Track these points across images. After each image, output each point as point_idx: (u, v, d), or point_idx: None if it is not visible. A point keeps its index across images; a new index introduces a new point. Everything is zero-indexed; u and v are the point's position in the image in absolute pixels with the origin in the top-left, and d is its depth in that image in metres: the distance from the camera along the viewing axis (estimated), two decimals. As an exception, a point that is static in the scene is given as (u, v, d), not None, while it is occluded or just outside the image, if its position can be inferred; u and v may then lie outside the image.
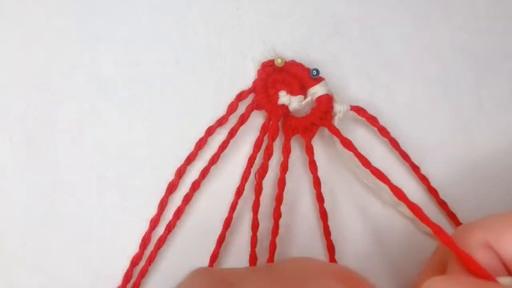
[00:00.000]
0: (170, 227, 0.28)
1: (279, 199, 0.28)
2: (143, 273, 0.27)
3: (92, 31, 0.29)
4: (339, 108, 0.28)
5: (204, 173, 0.28)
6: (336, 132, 0.28)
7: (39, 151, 0.28)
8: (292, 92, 0.28)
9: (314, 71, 0.28)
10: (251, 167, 0.28)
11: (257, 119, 0.29)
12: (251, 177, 0.28)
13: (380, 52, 0.30)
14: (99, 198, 0.28)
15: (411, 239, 0.29)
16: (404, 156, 0.29)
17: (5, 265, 0.28)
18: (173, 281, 0.28)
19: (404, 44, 0.31)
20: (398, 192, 0.25)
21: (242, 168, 0.28)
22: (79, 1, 0.29)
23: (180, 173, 0.28)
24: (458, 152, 0.30)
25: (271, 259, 0.28)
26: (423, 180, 0.29)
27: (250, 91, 0.29)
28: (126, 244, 0.28)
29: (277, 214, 0.28)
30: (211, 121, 0.29)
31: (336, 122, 0.28)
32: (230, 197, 0.28)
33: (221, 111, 0.29)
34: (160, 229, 0.28)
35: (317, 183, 0.28)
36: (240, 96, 0.29)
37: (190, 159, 0.28)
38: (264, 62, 0.29)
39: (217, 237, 0.28)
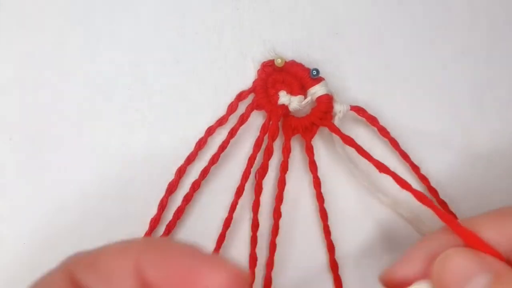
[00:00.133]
0: (170, 227, 0.28)
1: (279, 199, 0.28)
2: (143, 273, 0.27)
3: (92, 31, 0.29)
4: (339, 108, 0.28)
5: (204, 173, 0.28)
6: (336, 130, 0.28)
7: (39, 151, 0.28)
8: (292, 92, 0.28)
9: (314, 71, 0.28)
10: (251, 167, 0.28)
11: (257, 119, 0.29)
12: (251, 177, 0.28)
13: (380, 52, 0.30)
14: (99, 198, 0.28)
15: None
16: (404, 156, 0.29)
17: (5, 265, 0.28)
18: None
19: (404, 44, 0.31)
20: (403, 183, 0.25)
21: (242, 168, 0.28)
22: (79, 1, 0.29)
23: (180, 173, 0.28)
24: (458, 152, 0.30)
25: (271, 259, 0.28)
26: (423, 180, 0.29)
27: (250, 91, 0.29)
28: (126, 244, 0.28)
29: (277, 214, 0.28)
30: (211, 121, 0.29)
31: (336, 122, 0.28)
32: (230, 197, 0.28)
33: (221, 111, 0.29)
34: (160, 229, 0.28)
35: (317, 183, 0.28)
36: (240, 96, 0.29)
37: (190, 159, 0.28)
38: (264, 62, 0.29)
39: (217, 237, 0.28)
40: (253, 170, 0.28)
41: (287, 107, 0.28)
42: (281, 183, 0.28)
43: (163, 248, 0.19)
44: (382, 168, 0.26)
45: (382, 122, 0.29)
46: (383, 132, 0.29)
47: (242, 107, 0.29)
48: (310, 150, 0.28)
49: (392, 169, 0.29)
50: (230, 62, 0.29)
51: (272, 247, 0.28)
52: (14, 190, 0.28)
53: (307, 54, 0.30)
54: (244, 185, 0.28)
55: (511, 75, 0.31)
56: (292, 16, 0.30)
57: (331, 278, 0.28)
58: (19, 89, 0.28)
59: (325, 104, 0.28)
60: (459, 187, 0.30)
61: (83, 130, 0.28)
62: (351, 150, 0.27)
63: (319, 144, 0.29)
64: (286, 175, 0.28)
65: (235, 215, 0.28)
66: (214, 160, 0.28)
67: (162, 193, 0.28)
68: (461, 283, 0.20)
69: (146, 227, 0.28)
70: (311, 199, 0.29)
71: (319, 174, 0.28)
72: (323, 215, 0.28)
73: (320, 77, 0.28)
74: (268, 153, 0.28)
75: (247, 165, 0.28)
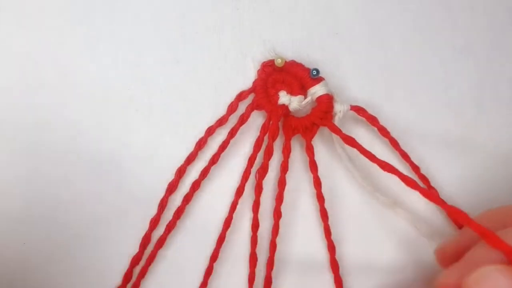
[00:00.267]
0: (170, 227, 0.28)
1: (279, 199, 0.28)
2: (143, 273, 0.27)
3: (92, 31, 0.29)
4: (339, 108, 0.28)
5: (204, 173, 0.28)
6: (337, 130, 0.28)
7: (39, 150, 0.28)
8: (292, 92, 0.28)
9: (314, 71, 0.28)
10: (251, 167, 0.28)
11: (257, 119, 0.29)
12: (251, 177, 0.28)
13: (380, 52, 0.30)
14: (99, 198, 0.28)
15: (412, 239, 0.29)
16: (404, 156, 0.29)
17: (5, 265, 0.28)
18: (173, 281, 0.28)
19: (404, 44, 0.31)
20: (409, 181, 0.25)
21: (242, 168, 0.28)
22: (79, 1, 0.29)
23: (180, 173, 0.28)
24: (458, 152, 0.30)
25: (271, 259, 0.28)
26: (423, 180, 0.29)
27: (250, 91, 0.29)
28: (126, 244, 0.28)
29: (277, 214, 0.28)
30: (211, 121, 0.29)
31: (336, 122, 0.28)
32: (230, 197, 0.28)
33: (221, 111, 0.29)
34: (160, 229, 0.28)
35: (317, 183, 0.28)
36: (240, 96, 0.29)
37: (190, 159, 0.28)
38: (264, 62, 0.29)
39: (217, 237, 0.28)
40: (253, 170, 0.28)
41: (287, 107, 0.28)
42: (281, 183, 0.28)
43: None
44: (386, 167, 0.26)
45: (382, 122, 0.29)
46: (383, 132, 0.29)
47: (242, 107, 0.29)
48: (310, 150, 0.28)
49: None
50: (230, 62, 0.29)
51: (272, 247, 0.28)
52: (14, 190, 0.28)
53: (307, 54, 0.30)
54: (244, 185, 0.28)
55: (511, 75, 0.31)
56: (292, 16, 0.30)
57: (331, 278, 0.28)
58: (19, 89, 0.28)
59: (325, 104, 0.28)
60: (459, 187, 0.30)
61: (83, 130, 0.28)
62: (351, 150, 0.27)
63: (319, 144, 0.29)
64: (286, 175, 0.28)
65: (235, 215, 0.28)
66: (214, 160, 0.28)
67: (162, 193, 0.28)
68: None
69: (146, 227, 0.28)
70: (311, 199, 0.29)
71: (319, 174, 0.28)
72: (324, 215, 0.28)
73: (320, 77, 0.28)
74: (268, 153, 0.28)
75: (247, 165, 0.28)
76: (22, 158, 0.28)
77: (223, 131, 0.28)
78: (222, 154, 0.28)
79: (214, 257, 0.28)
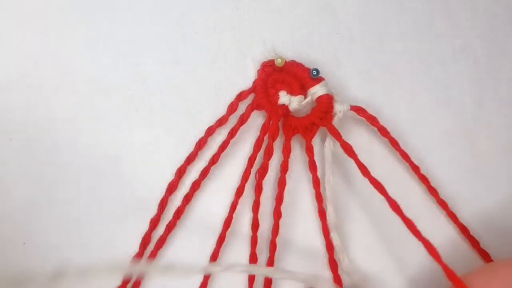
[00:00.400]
0: (170, 227, 0.28)
1: (279, 199, 0.28)
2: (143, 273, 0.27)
3: (92, 31, 0.29)
4: (339, 108, 0.28)
5: (204, 173, 0.28)
6: (336, 134, 0.28)
7: (39, 151, 0.28)
8: (292, 92, 0.28)
9: (314, 71, 0.28)
10: (251, 167, 0.28)
11: (257, 119, 0.29)
12: (251, 177, 0.28)
13: (380, 52, 0.30)
14: (99, 198, 0.28)
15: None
16: (404, 156, 0.29)
17: (5, 265, 0.28)
18: (173, 281, 0.28)
19: (404, 44, 0.31)
20: (393, 205, 0.26)
21: (242, 168, 0.28)
22: (79, 1, 0.29)
23: (180, 173, 0.28)
24: (458, 152, 0.30)
25: (271, 259, 0.28)
26: (423, 180, 0.29)
27: (250, 91, 0.29)
28: (126, 244, 0.28)
29: (277, 214, 0.28)
30: (211, 121, 0.29)
31: (336, 122, 0.28)
32: (230, 197, 0.28)
33: (221, 111, 0.29)
34: (160, 229, 0.28)
35: (317, 183, 0.28)
36: (240, 96, 0.29)
37: (190, 159, 0.28)
38: (264, 62, 0.29)
39: (217, 237, 0.28)
40: (253, 170, 0.28)
41: (287, 107, 0.28)
42: (281, 183, 0.28)
43: None
44: (379, 187, 0.26)
45: (382, 122, 0.29)
46: (383, 131, 0.29)
47: (242, 107, 0.29)
48: (310, 150, 0.28)
49: (392, 168, 0.29)
50: (230, 62, 0.29)
51: (272, 247, 0.28)
52: (14, 190, 0.28)
53: (307, 54, 0.30)
54: (244, 185, 0.28)
55: (511, 75, 0.31)
56: (292, 16, 0.30)
57: (331, 278, 0.28)
58: (19, 89, 0.28)
59: (325, 104, 0.28)
60: (459, 187, 0.30)
61: (83, 130, 0.28)
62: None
63: (319, 144, 0.29)
64: (286, 175, 0.28)
65: (235, 215, 0.28)
66: (214, 160, 0.28)
67: (162, 193, 0.28)
68: None
69: (146, 227, 0.28)
70: (311, 199, 0.29)
71: (319, 174, 0.28)
72: (323, 215, 0.28)
73: (320, 77, 0.28)
74: (268, 153, 0.28)
75: (247, 165, 0.28)
76: (22, 158, 0.28)
77: (223, 131, 0.28)
78: (222, 154, 0.28)
79: (214, 257, 0.28)
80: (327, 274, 0.28)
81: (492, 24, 0.31)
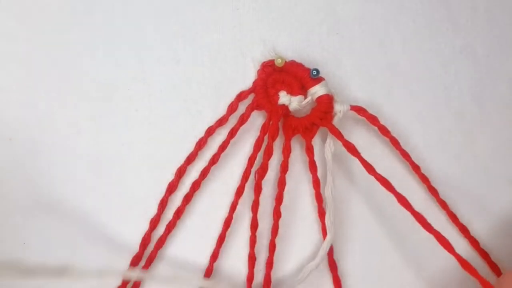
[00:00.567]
0: (170, 227, 0.28)
1: (279, 199, 0.28)
2: (143, 273, 0.28)
3: (92, 31, 0.29)
4: (339, 108, 0.28)
5: (204, 173, 0.28)
6: (337, 133, 0.28)
7: (39, 151, 0.28)
8: (292, 92, 0.28)
9: (314, 71, 0.28)
10: (251, 167, 0.28)
11: (257, 119, 0.29)
12: (251, 177, 0.28)
13: (380, 52, 0.30)
14: (99, 198, 0.28)
15: (411, 238, 0.29)
16: (405, 155, 0.29)
17: (5, 265, 0.28)
18: (172, 281, 0.28)
19: (404, 44, 0.31)
20: (402, 200, 0.26)
21: (242, 168, 0.28)
22: (79, 1, 0.29)
23: (180, 173, 0.28)
24: (458, 151, 0.30)
25: (271, 259, 0.28)
26: (424, 179, 0.29)
27: (250, 91, 0.29)
28: (126, 244, 0.28)
29: (277, 214, 0.28)
30: (211, 121, 0.29)
31: (336, 122, 0.28)
32: (230, 197, 0.28)
33: (221, 111, 0.29)
34: (160, 229, 0.28)
35: (317, 183, 0.28)
36: (240, 96, 0.29)
37: (190, 159, 0.28)
38: (264, 62, 0.29)
39: (217, 237, 0.28)
40: (253, 170, 0.28)
41: (287, 107, 0.28)
42: (281, 183, 0.28)
43: None
44: (385, 183, 0.26)
45: (382, 122, 0.29)
46: (384, 131, 0.29)
47: (242, 107, 0.29)
48: (310, 150, 0.28)
49: (392, 168, 0.29)
50: (230, 62, 0.29)
51: (272, 247, 0.28)
52: (14, 190, 0.28)
53: (307, 54, 0.30)
54: (244, 185, 0.28)
55: (511, 75, 0.31)
56: (292, 16, 0.30)
57: (331, 278, 0.28)
58: (19, 89, 0.28)
59: (325, 104, 0.28)
60: (460, 187, 0.30)
61: (83, 130, 0.28)
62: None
63: (319, 144, 0.29)
64: (286, 175, 0.28)
65: (235, 215, 0.28)
66: (214, 160, 0.28)
67: (162, 193, 0.28)
68: None
69: (146, 227, 0.28)
70: (311, 199, 0.29)
71: (319, 174, 0.28)
72: (322, 215, 0.28)
73: (320, 77, 0.28)
74: (268, 153, 0.28)
75: (247, 165, 0.28)
76: (22, 158, 0.28)
77: (223, 131, 0.29)
78: (222, 154, 0.28)
79: (214, 257, 0.28)
80: (327, 274, 0.28)
81: (492, 24, 0.31)
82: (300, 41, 0.30)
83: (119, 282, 0.27)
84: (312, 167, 0.28)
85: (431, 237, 0.29)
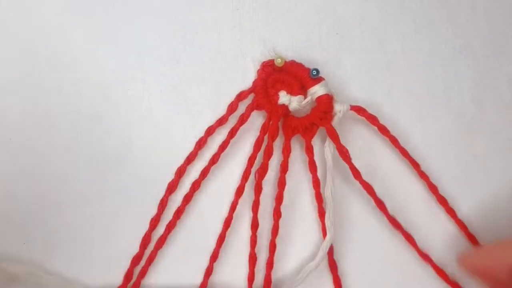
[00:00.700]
0: (170, 227, 0.28)
1: (279, 199, 0.28)
2: (144, 273, 0.28)
3: (92, 31, 0.29)
4: (339, 108, 0.28)
5: (204, 173, 0.28)
6: (335, 137, 0.28)
7: (39, 151, 0.28)
8: (292, 92, 0.28)
9: (314, 71, 0.28)
10: (251, 167, 0.28)
11: (257, 119, 0.29)
12: (251, 177, 0.28)
13: (380, 52, 0.30)
14: (99, 198, 0.28)
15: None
16: (404, 153, 0.29)
17: (5, 265, 0.28)
18: (173, 281, 0.28)
19: (404, 44, 0.31)
20: (380, 205, 0.28)
21: (242, 168, 0.28)
22: (79, 1, 0.29)
23: (180, 173, 0.28)
24: (458, 151, 0.30)
25: (271, 259, 0.28)
26: (423, 177, 0.29)
27: (250, 91, 0.29)
28: (126, 244, 0.28)
29: (277, 214, 0.28)
30: (211, 121, 0.29)
31: (336, 121, 0.28)
32: (230, 197, 0.28)
33: (221, 111, 0.29)
34: (160, 229, 0.28)
35: (317, 183, 0.28)
36: (240, 96, 0.29)
37: (190, 159, 0.28)
38: (264, 62, 0.29)
39: (217, 237, 0.28)
40: (253, 170, 0.28)
41: (287, 107, 0.28)
42: (281, 183, 0.28)
43: None
44: (367, 188, 0.28)
45: (382, 121, 0.29)
46: (383, 130, 0.29)
47: (242, 107, 0.29)
48: (310, 150, 0.28)
49: (392, 167, 0.29)
50: (230, 62, 0.29)
51: (272, 247, 0.28)
52: (14, 190, 0.28)
53: (307, 54, 0.30)
54: (244, 185, 0.28)
55: (511, 75, 0.31)
56: (292, 16, 0.30)
57: (331, 278, 0.28)
58: (19, 89, 0.28)
59: (325, 104, 0.28)
60: (459, 185, 0.30)
61: (83, 130, 0.29)
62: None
63: (319, 144, 0.29)
64: (286, 175, 0.28)
65: (235, 215, 0.28)
66: (214, 160, 0.28)
67: (162, 193, 0.28)
68: None
69: (146, 227, 0.28)
70: (311, 199, 0.29)
71: (319, 174, 0.28)
72: (322, 215, 0.28)
73: (320, 77, 0.28)
74: (268, 153, 0.28)
75: (247, 165, 0.28)
76: (22, 158, 0.28)
77: (223, 131, 0.29)
78: (222, 154, 0.28)
79: (214, 257, 0.28)
80: (327, 274, 0.28)
81: (492, 24, 0.31)
82: (300, 41, 0.30)
83: (119, 282, 0.28)
84: (312, 167, 0.28)
85: (431, 236, 0.29)
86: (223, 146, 0.28)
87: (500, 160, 0.30)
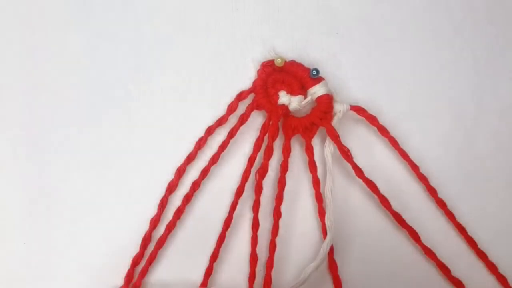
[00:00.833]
0: (170, 227, 0.28)
1: (279, 199, 0.28)
2: (144, 273, 0.28)
3: (92, 31, 0.29)
4: (339, 108, 0.28)
5: (204, 173, 0.28)
6: (335, 137, 0.28)
7: (39, 151, 0.28)
8: (292, 92, 0.28)
9: (314, 71, 0.28)
10: (251, 167, 0.28)
11: (257, 119, 0.29)
12: (251, 177, 0.28)
13: (380, 52, 0.30)
14: (99, 198, 0.28)
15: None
16: (404, 155, 0.29)
17: (5, 265, 0.28)
18: (173, 281, 0.28)
19: (404, 44, 0.31)
20: (384, 202, 0.28)
21: (242, 168, 0.28)
22: (79, 1, 0.29)
23: (180, 173, 0.28)
24: (457, 151, 0.30)
25: (271, 259, 0.28)
26: (423, 179, 0.29)
27: (250, 91, 0.29)
28: (127, 244, 0.28)
29: (277, 214, 0.28)
30: (211, 121, 0.29)
31: (336, 121, 0.28)
32: (230, 197, 0.28)
33: (221, 111, 0.29)
34: (160, 229, 0.28)
35: (317, 183, 0.28)
36: (240, 96, 0.29)
37: (190, 159, 0.28)
38: (264, 62, 0.29)
39: (217, 237, 0.28)
40: (253, 170, 0.28)
41: (287, 107, 0.28)
42: (281, 183, 0.28)
43: None
44: (370, 185, 0.28)
45: (382, 121, 0.29)
46: (383, 131, 0.29)
47: (242, 107, 0.29)
48: (310, 150, 0.28)
49: (391, 168, 0.29)
50: (230, 62, 0.29)
51: (272, 247, 0.28)
52: (14, 190, 0.28)
53: (307, 54, 0.30)
54: (244, 185, 0.28)
55: (511, 75, 0.31)
56: (292, 16, 0.30)
57: (331, 278, 0.28)
58: (19, 90, 0.29)
59: (325, 104, 0.28)
60: (459, 186, 0.30)
61: (83, 130, 0.29)
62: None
63: (319, 144, 0.29)
64: (286, 175, 0.28)
65: (235, 215, 0.28)
66: (214, 160, 0.28)
67: (162, 193, 0.28)
68: None
69: (146, 227, 0.28)
70: (311, 199, 0.29)
71: (319, 174, 0.28)
72: (322, 215, 0.28)
73: (320, 77, 0.28)
74: (268, 153, 0.28)
75: (247, 165, 0.28)
76: (22, 158, 0.28)
77: (223, 131, 0.29)
78: (222, 154, 0.28)
79: (214, 257, 0.28)
80: (327, 274, 0.28)
81: (492, 24, 0.31)
82: (300, 41, 0.30)
83: (120, 282, 0.28)
84: (312, 167, 0.28)
85: (430, 236, 0.29)
86: (223, 146, 0.28)
87: (499, 161, 0.30)
